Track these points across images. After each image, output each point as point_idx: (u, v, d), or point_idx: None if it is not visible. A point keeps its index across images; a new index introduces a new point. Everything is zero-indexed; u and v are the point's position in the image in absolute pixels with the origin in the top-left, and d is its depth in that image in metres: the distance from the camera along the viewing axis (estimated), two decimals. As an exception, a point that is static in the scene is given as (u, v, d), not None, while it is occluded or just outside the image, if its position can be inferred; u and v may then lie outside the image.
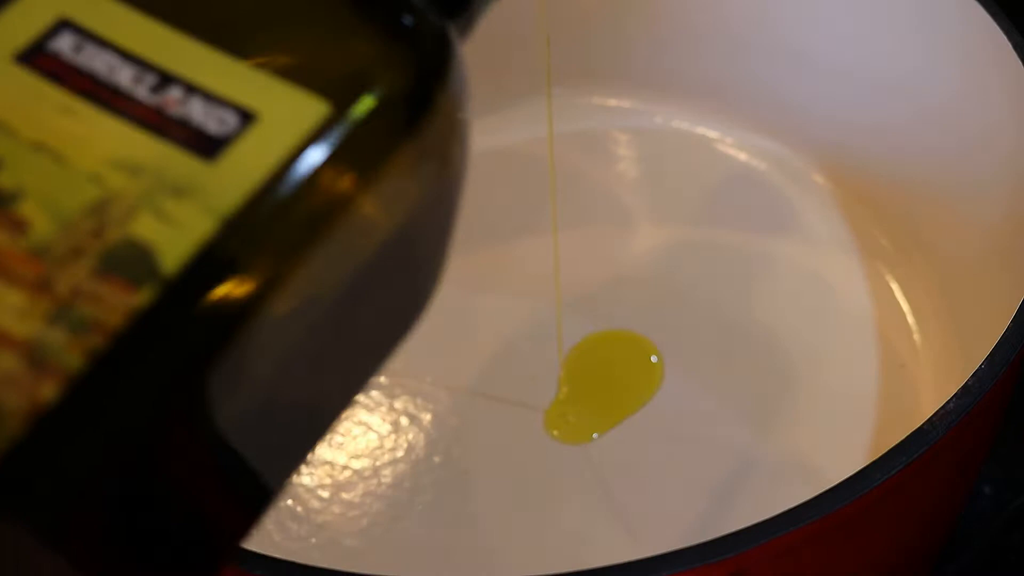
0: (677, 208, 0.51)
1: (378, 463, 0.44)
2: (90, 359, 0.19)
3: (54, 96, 0.21)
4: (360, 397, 0.45)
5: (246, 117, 0.21)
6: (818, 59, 0.50)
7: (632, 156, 0.54)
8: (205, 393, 0.21)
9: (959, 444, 0.34)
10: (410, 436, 0.44)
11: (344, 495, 0.43)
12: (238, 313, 0.21)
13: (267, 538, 0.42)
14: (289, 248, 0.21)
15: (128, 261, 0.20)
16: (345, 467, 0.44)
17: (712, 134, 0.53)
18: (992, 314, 0.37)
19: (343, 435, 0.44)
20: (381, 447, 0.44)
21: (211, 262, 0.20)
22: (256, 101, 0.22)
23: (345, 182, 0.22)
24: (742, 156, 0.52)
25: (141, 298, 0.19)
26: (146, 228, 0.20)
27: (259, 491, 0.24)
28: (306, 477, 0.43)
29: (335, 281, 0.23)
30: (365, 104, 0.22)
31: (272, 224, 0.21)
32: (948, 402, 0.32)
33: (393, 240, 0.24)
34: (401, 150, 0.23)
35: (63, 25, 0.22)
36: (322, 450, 0.44)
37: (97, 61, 0.22)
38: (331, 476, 0.43)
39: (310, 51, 0.23)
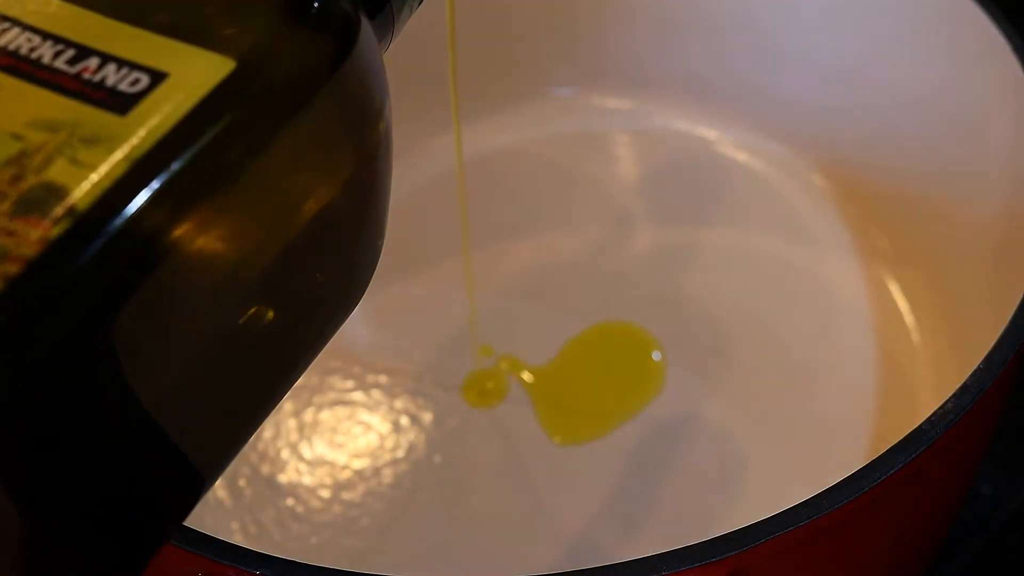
0: (677, 208, 0.51)
1: (379, 463, 0.44)
2: (5, 284, 0.21)
3: None
4: (360, 397, 0.46)
5: (157, 76, 0.24)
6: (818, 60, 0.50)
7: (632, 156, 0.54)
8: (117, 330, 0.22)
9: (957, 444, 0.34)
10: (411, 436, 0.45)
11: (345, 495, 0.43)
12: (146, 247, 0.22)
13: (267, 537, 0.42)
14: (193, 193, 0.23)
15: (43, 201, 0.22)
16: (345, 467, 0.44)
17: (712, 134, 0.53)
18: (990, 314, 0.37)
19: (344, 435, 0.45)
20: (381, 447, 0.44)
21: (119, 198, 0.22)
22: (167, 63, 0.24)
23: (245, 139, 0.24)
24: (742, 156, 0.53)
25: (54, 231, 0.21)
26: (61, 173, 0.22)
27: (182, 472, 0.25)
28: (306, 477, 0.43)
29: (241, 240, 0.25)
30: (269, 69, 0.25)
31: (178, 165, 0.23)
32: (946, 402, 0.32)
33: (298, 211, 0.26)
34: (298, 122, 0.25)
35: None
36: (323, 450, 0.44)
37: (20, 41, 0.24)
38: (332, 476, 0.43)
39: (219, 24, 0.25)
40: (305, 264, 0.27)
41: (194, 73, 0.24)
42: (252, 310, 0.26)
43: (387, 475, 0.43)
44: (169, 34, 0.24)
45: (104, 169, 0.22)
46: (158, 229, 0.23)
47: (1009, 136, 0.42)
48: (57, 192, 0.22)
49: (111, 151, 0.23)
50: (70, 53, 0.24)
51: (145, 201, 0.22)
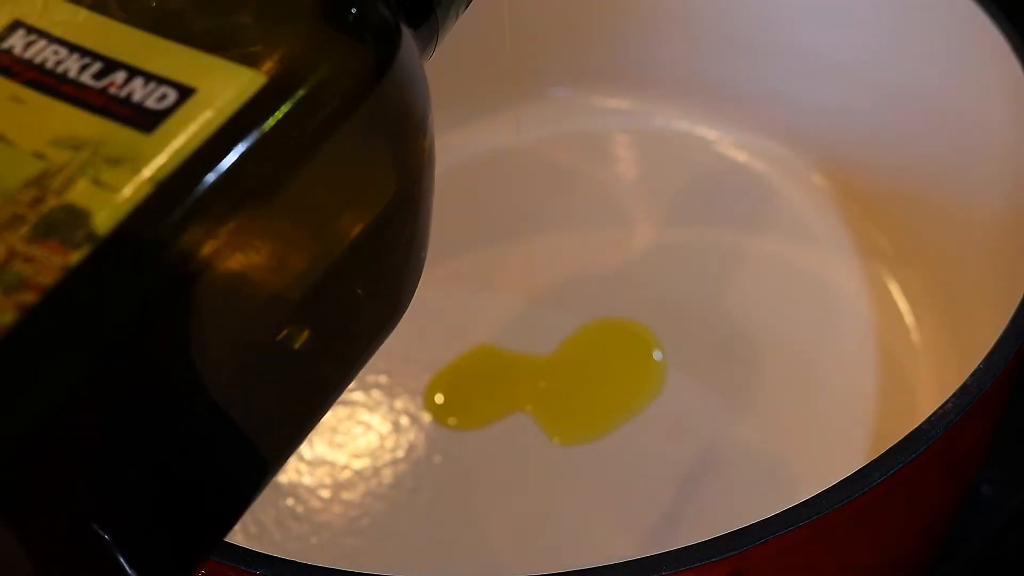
0: (676, 209, 0.51)
1: (379, 463, 0.44)
2: (21, 313, 0.20)
3: (5, 87, 0.23)
4: (360, 397, 0.46)
5: (185, 92, 0.23)
6: (818, 60, 0.50)
7: (632, 157, 0.54)
8: (138, 362, 0.21)
9: (957, 443, 0.34)
10: (411, 436, 0.45)
11: (345, 495, 0.43)
12: (171, 274, 0.21)
13: (268, 537, 0.42)
14: (220, 218, 0.22)
15: (64, 224, 0.21)
16: (346, 467, 0.44)
17: (712, 135, 0.53)
18: (990, 314, 0.37)
19: (344, 435, 0.45)
20: (382, 447, 0.44)
21: (142, 223, 0.21)
22: (195, 78, 0.23)
23: (276, 159, 0.23)
24: (742, 156, 0.53)
25: (74, 257, 0.20)
26: (83, 195, 0.21)
27: (223, 491, 0.24)
28: (307, 477, 0.43)
29: (275, 265, 0.24)
30: (301, 84, 0.23)
31: (205, 187, 0.22)
32: (946, 402, 0.32)
33: (336, 234, 0.25)
34: (335, 139, 0.24)
35: (16, 25, 0.24)
36: (323, 450, 0.44)
37: (46, 54, 0.23)
38: (332, 476, 0.43)
39: (252, 35, 0.24)
40: (345, 284, 0.26)
41: (223, 88, 0.23)
42: (287, 331, 0.25)
43: (387, 475, 0.43)
44: (199, 46, 0.23)
45: (127, 191, 0.21)
46: (184, 255, 0.22)
47: (1009, 136, 0.42)
48: (78, 215, 0.21)
49: (135, 172, 0.22)
50: (97, 67, 0.23)
51: (170, 226, 0.21)
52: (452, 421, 0.45)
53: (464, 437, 0.44)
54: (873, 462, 0.31)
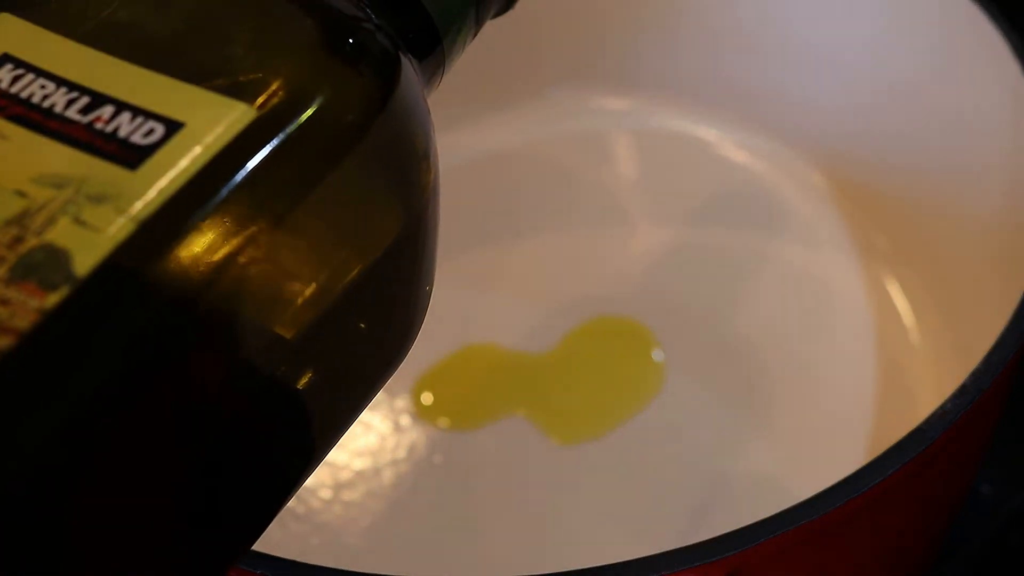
0: (676, 209, 0.51)
1: (379, 463, 0.44)
2: None
3: None
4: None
5: (172, 126, 0.22)
6: (817, 60, 0.50)
7: (631, 157, 0.54)
8: (118, 408, 0.20)
9: (957, 444, 0.34)
10: (411, 436, 0.45)
11: (345, 495, 0.43)
12: (155, 314, 0.21)
13: (268, 537, 0.42)
14: (204, 259, 0.21)
15: (42, 266, 0.20)
16: (345, 467, 0.44)
17: (711, 134, 0.53)
18: (990, 314, 0.37)
19: (345, 435, 0.44)
20: (382, 447, 0.44)
21: (123, 264, 0.20)
22: (184, 112, 0.22)
23: (265, 197, 0.22)
24: (742, 156, 0.53)
25: (51, 299, 0.20)
26: (63, 234, 0.20)
27: (227, 529, 0.24)
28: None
29: (267, 307, 0.23)
30: (294, 118, 0.23)
31: (190, 227, 0.21)
32: (946, 402, 0.32)
33: (332, 274, 0.24)
34: (329, 175, 0.23)
35: (4, 59, 0.23)
36: (323, 450, 0.44)
37: (33, 88, 0.23)
38: (332, 476, 0.43)
39: (244, 66, 0.23)
40: (345, 323, 0.25)
41: (212, 123, 0.22)
42: (285, 371, 0.23)
43: (387, 475, 0.43)
44: (189, 79, 0.22)
45: (109, 231, 0.20)
46: (167, 298, 0.21)
47: (1008, 136, 0.42)
48: (58, 256, 0.20)
49: (118, 211, 0.21)
50: (84, 101, 0.22)
51: (152, 267, 0.21)
52: (444, 421, 0.45)
53: (464, 437, 0.44)
54: (873, 462, 0.31)
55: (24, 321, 0.19)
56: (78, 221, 0.21)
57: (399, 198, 0.25)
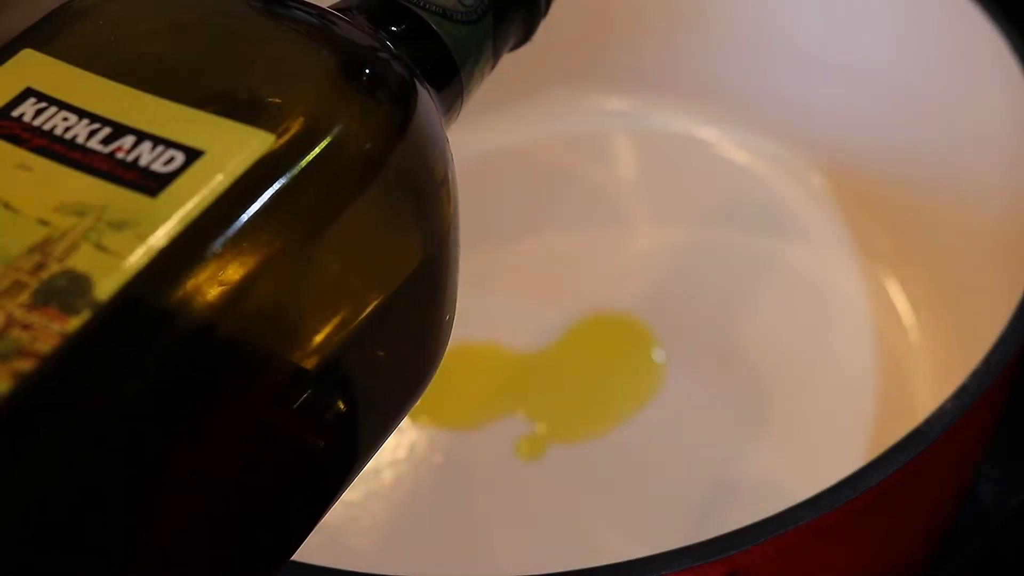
0: (677, 209, 0.51)
1: (379, 463, 0.44)
2: (17, 382, 0.19)
3: (13, 155, 0.22)
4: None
5: (192, 154, 0.22)
6: (818, 60, 0.50)
7: (632, 158, 0.54)
8: (139, 433, 0.20)
9: (956, 444, 0.34)
10: (412, 436, 0.45)
11: (345, 495, 0.43)
12: (175, 340, 0.21)
13: (268, 538, 0.42)
14: (224, 285, 0.21)
15: (64, 291, 0.20)
16: (346, 467, 0.44)
17: (712, 135, 0.53)
18: (990, 314, 0.37)
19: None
20: (383, 447, 0.44)
21: (144, 289, 0.20)
22: (204, 140, 0.22)
23: (286, 224, 0.22)
24: (742, 157, 0.53)
25: (73, 323, 0.20)
26: (85, 260, 0.21)
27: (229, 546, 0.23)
28: (307, 477, 0.43)
29: (288, 336, 0.23)
30: (313, 146, 0.23)
31: (211, 253, 0.21)
32: (946, 402, 0.32)
33: (353, 303, 0.24)
34: (348, 203, 0.23)
35: (28, 93, 0.24)
36: (323, 450, 0.44)
37: (56, 120, 0.23)
38: (332, 476, 0.43)
39: (263, 95, 0.24)
40: (366, 353, 0.25)
41: (232, 150, 0.22)
42: (305, 401, 0.24)
43: (388, 475, 0.43)
44: (209, 109, 0.23)
45: (130, 257, 0.21)
46: (188, 324, 0.21)
47: (1008, 136, 0.42)
48: (79, 281, 0.20)
49: (139, 237, 0.21)
50: (105, 132, 0.23)
51: (173, 293, 0.21)
52: (442, 421, 0.45)
53: (464, 437, 0.44)
54: (872, 462, 0.31)
55: (46, 345, 0.20)
56: (99, 247, 0.21)
57: (419, 226, 0.25)
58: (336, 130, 0.23)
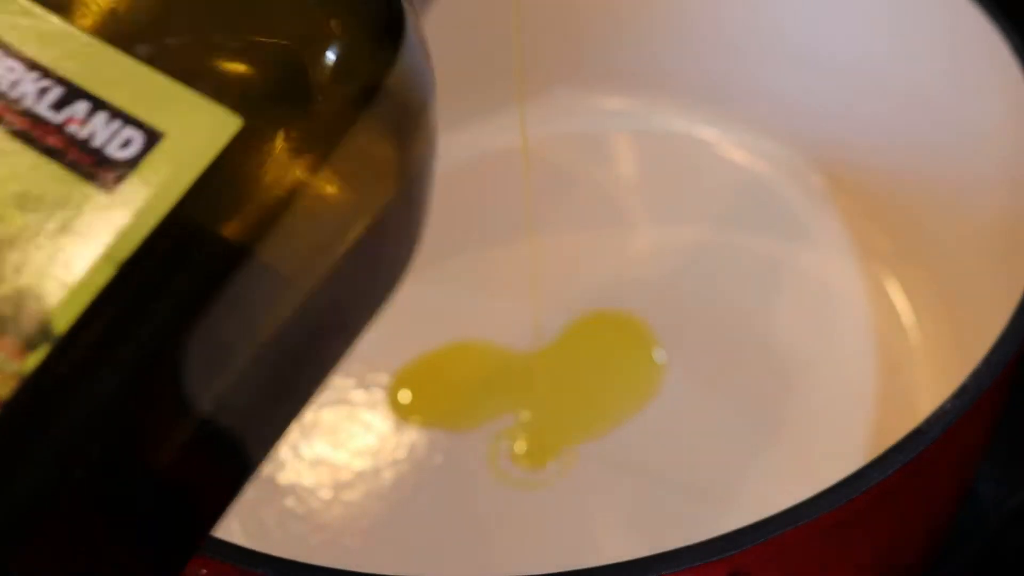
0: (676, 209, 0.51)
1: (379, 463, 0.44)
2: None
3: None
4: (361, 396, 0.46)
5: (152, 137, 0.20)
6: (818, 60, 0.50)
7: (631, 158, 0.54)
8: (103, 463, 0.19)
9: (956, 444, 0.34)
10: (411, 436, 0.45)
11: (345, 495, 0.43)
12: (129, 361, 0.19)
13: (268, 537, 0.42)
14: (189, 291, 0.20)
15: (17, 319, 0.18)
16: (346, 467, 0.44)
17: (711, 135, 0.53)
18: (990, 314, 0.37)
19: (344, 435, 0.45)
20: (382, 447, 0.44)
21: (104, 312, 0.19)
22: (164, 117, 0.20)
23: (261, 216, 0.20)
24: (741, 157, 0.53)
25: (30, 362, 0.18)
26: (38, 277, 0.19)
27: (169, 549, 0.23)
28: (307, 477, 0.43)
29: (244, 333, 0.21)
30: (280, 125, 0.20)
31: (176, 266, 0.19)
32: (946, 402, 0.32)
33: (324, 260, 0.22)
34: (331, 155, 0.21)
35: None
36: (323, 450, 0.44)
37: (1, 70, 0.20)
38: (332, 476, 0.43)
39: (233, 56, 0.21)
40: (337, 291, 0.23)
41: (195, 134, 0.20)
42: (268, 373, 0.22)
43: (388, 475, 0.43)
44: (173, 73, 0.20)
45: (88, 277, 0.19)
46: (151, 351, 0.19)
47: (1009, 136, 0.42)
48: (33, 306, 0.18)
49: (97, 249, 0.19)
50: (57, 93, 0.20)
51: (135, 317, 0.19)
52: (439, 421, 0.45)
53: (464, 438, 0.44)
54: (872, 462, 0.31)
55: (4, 388, 0.18)
56: (54, 260, 0.19)
57: (400, 165, 0.23)
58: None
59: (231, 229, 0.20)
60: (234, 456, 0.23)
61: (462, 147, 0.53)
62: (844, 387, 0.45)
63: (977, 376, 0.33)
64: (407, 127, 0.23)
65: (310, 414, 0.45)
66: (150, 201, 0.19)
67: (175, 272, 0.19)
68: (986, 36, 0.42)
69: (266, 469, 0.44)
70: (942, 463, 0.35)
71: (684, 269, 0.49)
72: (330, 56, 0.21)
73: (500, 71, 0.53)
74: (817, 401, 0.45)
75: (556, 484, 0.43)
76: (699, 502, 0.42)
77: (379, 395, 0.46)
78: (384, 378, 0.46)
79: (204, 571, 0.30)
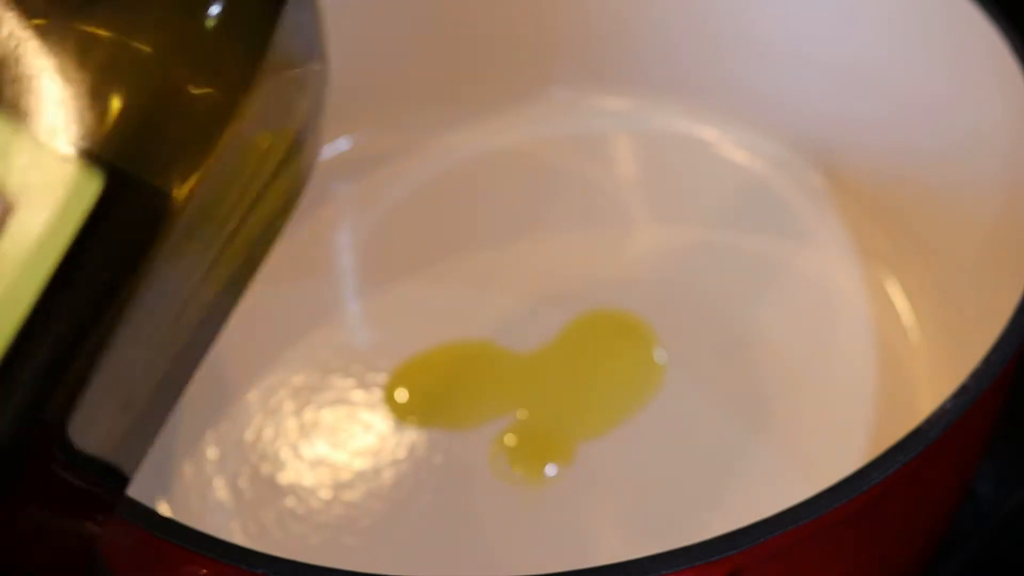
0: (676, 209, 0.51)
1: (379, 463, 0.44)
2: None
3: None
4: (360, 396, 0.46)
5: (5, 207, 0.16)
6: (818, 60, 0.50)
7: (631, 158, 0.54)
8: None
9: (956, 443, 0.34)
10: (411, 436, 0.45)
11: (345, 495, 0.43)
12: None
13: (268, 537, 0.42)
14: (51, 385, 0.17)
15: None
16: (346, 467, 0.44)
17: (711, 135, 0.53)
18: (990, 314, 0.37)
19: (344, 435, 0.45)
20: (382, 447, 0.44)
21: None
22: (16, 178, 0.16)
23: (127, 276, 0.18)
24: (741, 157, 0.53)
25: None
26: None
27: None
28: (307, 477, 0.43)
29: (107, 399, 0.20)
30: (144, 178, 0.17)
31: (31, 373, 0.17)
32: (945, 402, 0.32)
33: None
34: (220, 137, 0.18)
35: None
36: (323, 450, 0.44)
37: None
38: (332, 476, 0.43)
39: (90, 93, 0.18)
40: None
41: (50, 200, 0.16)
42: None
43: (388, 475, 0.43)
44: (19, 118, 0.16)
45: None
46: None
47: (1008, 136, 0.42)
48: None
49: None
50: None
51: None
52: (438, 420, 0.45)
53: (464, 438, 0.44)
54: (872, 462, 0.31)
55: None
56: None
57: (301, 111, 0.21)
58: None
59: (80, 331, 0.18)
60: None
61: (462, 147, 0.53)
62: (844, 387, 0.45)
63: (977, 376, 0.33)
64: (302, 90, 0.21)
65: (310, 414, 0.45)
66: (15, 290, 0.17)
67: (31, 381, 0.17)
68: (986, 36, 0.42)
69: (266, 469, 0.44)
70: (942, 463, 0.35)
71: (684, 269, 0.49)
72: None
73: (500, 71, 0.53)
74: (817, 401, 0.45)
75: (556, 484, 0.43)
76: (699, 502, 0.42)
77: (379, 395, 0.46)
78: (384, 378, 0.46)
79: (204, 571, 0.30)
